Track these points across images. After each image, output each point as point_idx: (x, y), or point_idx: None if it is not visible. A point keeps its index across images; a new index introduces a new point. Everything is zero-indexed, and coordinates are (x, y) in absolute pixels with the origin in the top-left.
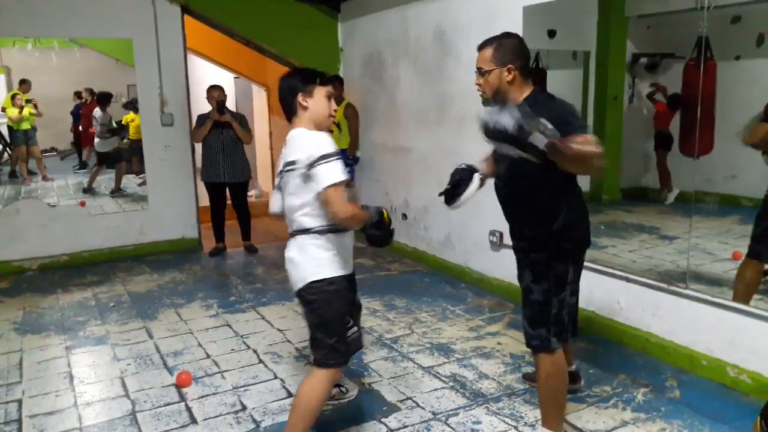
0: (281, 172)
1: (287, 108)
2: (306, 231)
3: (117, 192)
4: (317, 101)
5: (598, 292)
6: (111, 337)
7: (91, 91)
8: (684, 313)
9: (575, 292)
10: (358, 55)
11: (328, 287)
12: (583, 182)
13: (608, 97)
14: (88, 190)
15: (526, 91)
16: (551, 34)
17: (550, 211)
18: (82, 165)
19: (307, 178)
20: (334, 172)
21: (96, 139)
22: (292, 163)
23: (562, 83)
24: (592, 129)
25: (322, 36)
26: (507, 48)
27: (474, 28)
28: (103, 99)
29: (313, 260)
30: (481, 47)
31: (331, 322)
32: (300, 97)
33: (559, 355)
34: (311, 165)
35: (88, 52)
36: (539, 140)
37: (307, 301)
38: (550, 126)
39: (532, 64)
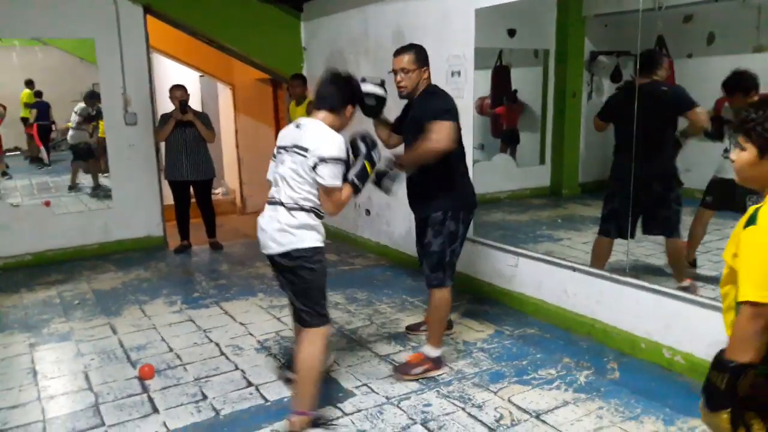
0: (286, 148)
1: (328, 99)
2: (304, 209)
3: (98, 188)
4: (348, 116)
5: (548, 281)
6: (75, 333)
7: None
8: (626, 300)
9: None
10: (321, 53)
11: (322, 257)
12: (544, 178)
13: (567, 94)
14: (73, 188)
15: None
16: (511, 33)
17: (442, 182)
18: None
19: (313, 169)
20: (334, 175)
21: (70, 132)
22: (305, 150)
23: (523, 80)
24: (550, 123)
25: (286, 35)
26: (422, 54)
27: (430, 29)
28: (92, 97)
29: (310, 230)
30: (401, 52)
31: (324, 286)
32: (347, 106)
33: (448, 291)
34: (322, 160)
35: (50, 51)
36: (390, 174)
37: (305, 267)
38: (384, 159)
39: (496, 61)
